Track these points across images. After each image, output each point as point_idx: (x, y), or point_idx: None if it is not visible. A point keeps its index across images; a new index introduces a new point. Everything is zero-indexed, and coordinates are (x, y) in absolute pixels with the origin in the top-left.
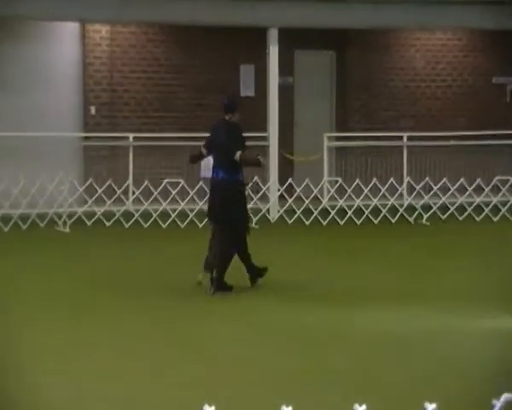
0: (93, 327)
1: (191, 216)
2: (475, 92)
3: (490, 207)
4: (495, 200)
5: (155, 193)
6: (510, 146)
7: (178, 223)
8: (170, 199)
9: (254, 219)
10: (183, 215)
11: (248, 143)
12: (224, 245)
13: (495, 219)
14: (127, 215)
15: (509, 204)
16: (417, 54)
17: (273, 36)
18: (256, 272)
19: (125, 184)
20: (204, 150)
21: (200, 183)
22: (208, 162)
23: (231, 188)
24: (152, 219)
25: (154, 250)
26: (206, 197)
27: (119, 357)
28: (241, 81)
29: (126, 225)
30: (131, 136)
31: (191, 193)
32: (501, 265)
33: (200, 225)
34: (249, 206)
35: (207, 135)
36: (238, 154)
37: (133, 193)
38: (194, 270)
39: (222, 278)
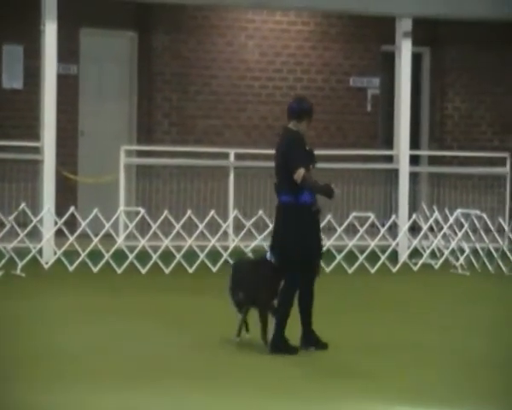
0: None
1: None
2: (326, 97)
3: (344, 253)
4: (350, 244)
5: None
6: (371, 172)
7: None
8: None
9: (20, 264)
10: None
11: (13, 157)
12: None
13: (350, 271)
14: None
15: (368, 250)
16: (250, 42)
17: (50, 7)
18: (313, 338)
19: None
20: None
21: None
22: None
23: (293, 213)
24: None
25: None
26: None
27: None
28: (3, 67)
29: None
30: None
31: None
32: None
33: None
34: (13, 244)
35: None
36: (301, 171)
37: None
38: None
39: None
